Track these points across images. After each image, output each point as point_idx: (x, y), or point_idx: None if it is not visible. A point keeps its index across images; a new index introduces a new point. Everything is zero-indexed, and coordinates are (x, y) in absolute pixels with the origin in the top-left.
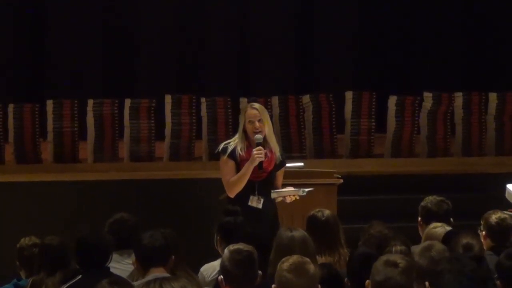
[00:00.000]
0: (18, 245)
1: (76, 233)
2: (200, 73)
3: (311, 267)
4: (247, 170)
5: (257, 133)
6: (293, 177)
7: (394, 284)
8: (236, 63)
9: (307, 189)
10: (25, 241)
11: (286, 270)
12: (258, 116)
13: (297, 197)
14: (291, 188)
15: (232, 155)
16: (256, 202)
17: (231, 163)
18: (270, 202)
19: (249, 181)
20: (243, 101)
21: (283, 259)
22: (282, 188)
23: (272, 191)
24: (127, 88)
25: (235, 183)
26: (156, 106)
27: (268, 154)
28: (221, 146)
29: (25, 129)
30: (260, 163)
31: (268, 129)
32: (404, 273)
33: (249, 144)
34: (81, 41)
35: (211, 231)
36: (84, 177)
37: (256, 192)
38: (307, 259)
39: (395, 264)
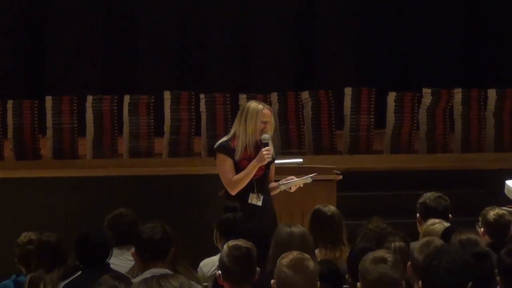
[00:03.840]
0: (17, 242)
1: (76, 229)
2: (200, 69)
3: (311, 264)
4: (253, 168)
5: (264, 132)
6: (293, 173)
7: (388, 280)
8: (236, 59)
9: (312, 174)
10: (21, 237)
11: (285, 266)
12: (271, 117)
13: (301, 185)
14: (295, 180)
15: (231, 153)
16: (256, 199)
17: (231, 161)
18: (268, 199)
19: None
20: (242, 97)
21: (283, 255)
22: (283, 178)
23: (280, 184)
24: (126, 84)
25: (239, 181)
26: (155, 102)
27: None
28: (219, 144)
29: (24, 125)
30: (268, 162)
31: (272, 128)
32: (394, 267)
33: (250, 143)
34: (81, 37)
35: (211, 227)
36: (83, 173)
37: (255, 190)
38: (307, 255)
39: (383, 260)
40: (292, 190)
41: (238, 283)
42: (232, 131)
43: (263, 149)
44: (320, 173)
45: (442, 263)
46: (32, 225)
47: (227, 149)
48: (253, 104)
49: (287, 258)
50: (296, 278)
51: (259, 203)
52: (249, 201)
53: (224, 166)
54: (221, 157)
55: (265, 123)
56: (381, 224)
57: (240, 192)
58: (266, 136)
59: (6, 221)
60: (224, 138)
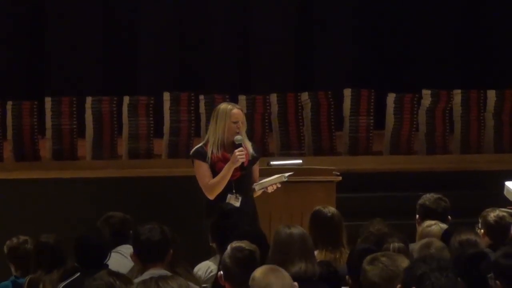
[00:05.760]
0: (7, 247)
1: (75, 231)
2: (199, 70)
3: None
4: (229, 171)
5: (237, 133)
6: (292, 175)
7: (369, 282)
8: (235, 60)
9: (287, 174)
10: (13, 241)
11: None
12: (242, 117)
13: (278, 185)
14: (269, 178)
15: (205, 158)
16: (234, 200)
17: (206, 166)
18: (248, 200)
19: None
20: (241, 98)
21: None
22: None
23: (254, 184)
24: (126, 85)
25: (216, 185)
26: (155, 103)
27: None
28: (194, 150)
29: (24, 126)
30: (242, 163)
31: (244, 130)
32: (380, 270)
33: (223, 144)
34: (80, 38)
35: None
36: (82, 174)
37: (233, 191)
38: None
39: (373, 261)
40: (270, 191)
41: (240, 285)
42: (206, 136)
43: (236, 150)
44: (320, 174)
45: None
46: (31, 226)
47: (202, 154)
48: (223, 106)
49: (257, 273)
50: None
51: (237, 204)
52: (227, 201)
53: (200, 171)
54: (196, 162)
55: (235, 123)
56: (382, 226)
57: (219, 194)
58: (238, 137)
59: (5, 222)
60: (200, 144)
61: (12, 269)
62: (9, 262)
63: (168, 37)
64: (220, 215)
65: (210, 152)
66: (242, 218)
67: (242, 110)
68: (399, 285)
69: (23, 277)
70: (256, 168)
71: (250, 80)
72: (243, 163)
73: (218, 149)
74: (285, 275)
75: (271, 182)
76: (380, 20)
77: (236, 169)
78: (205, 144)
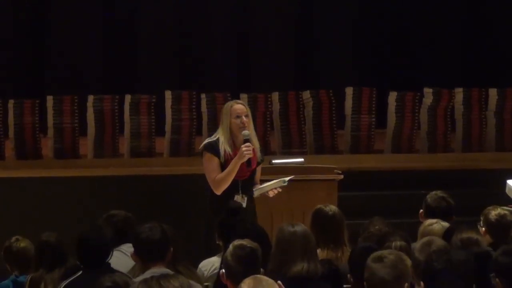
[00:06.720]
0: (3, 247)
1: (77, 229)
2: (200, 68)
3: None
4: (235, 166)
5: (243, 128)
6: (294, 173)
7: (379, 279)
8: (237, 58)
9: (287, 178)
10: (5, 244)
11: None
12: (245, 111)
13: (279, 190)
14: (269, 183)
15: (217, 152)
16: (240, 200)
17: (216, 160)
18: (250, 201)
19: (232, 180)
20: (243, 97)
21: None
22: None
23: (253, 189)
24: (128, 83)
25: (222, 180)
26: (156, 102)
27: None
28: (206, 143)
29: (25, 125)
30: (249, 159)
31: (251, 127)
32: (390, 267)
33: (233, 142)
34: (81, 37)
35: (211, 227)
36: (84, 173)
37: (240, 191)
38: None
39: (380, 259)
40: (271, 195)
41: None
42: (217, 134)
43: (242, 146)
44: (321, 173)
45: (439, 264)
46: (32, 225)
47: (214, 149)
48: (226, 104)
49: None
50: None
51: (244, 204)
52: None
53: (210, 165)
54: (207, 156)
55: (238, 117)
56: (383, 225)
57: (224, 193)
58: (245, 132)
59: (6, 220)
60: (212, 138)
61: (9, 269)
62: (6, 263)
63: (169, 35)
64: (227, 213)
65: (223, 151)
66: (247, 217)
67: (244, 105)
68: (406, 284)
69: (22, 275)
70: (258, 170)
71: (250, 79)
72: (250, 159)
73: (230, 148)
74: (270, 282)
75: (271, 187)
76: (381, 18)
77: (246, 170)
78: (218, 140)
